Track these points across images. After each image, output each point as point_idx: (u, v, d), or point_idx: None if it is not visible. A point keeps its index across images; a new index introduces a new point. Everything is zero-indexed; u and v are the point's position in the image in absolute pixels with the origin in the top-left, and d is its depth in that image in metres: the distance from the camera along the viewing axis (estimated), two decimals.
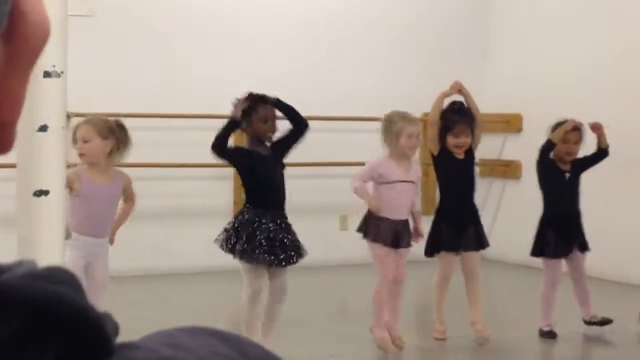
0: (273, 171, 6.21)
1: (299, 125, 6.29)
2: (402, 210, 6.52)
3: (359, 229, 6.59)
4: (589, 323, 7.15)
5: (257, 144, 6.27)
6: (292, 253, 6.08)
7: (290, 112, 6.31)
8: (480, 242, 6.90)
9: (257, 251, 5.99)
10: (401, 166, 6.53)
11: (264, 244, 6.00)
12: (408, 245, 6.55)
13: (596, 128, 7.11)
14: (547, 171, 7.20)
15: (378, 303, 6.54)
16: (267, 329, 6.11)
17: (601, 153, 7.14)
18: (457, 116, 6.92)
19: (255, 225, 6.06)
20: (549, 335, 7.03)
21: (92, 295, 5.79)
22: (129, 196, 6.16)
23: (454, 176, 6.88)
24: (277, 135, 6.34)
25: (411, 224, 6.60)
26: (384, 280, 6.50)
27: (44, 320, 0.50)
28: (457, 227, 6.78)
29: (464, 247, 6.80)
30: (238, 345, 0.61)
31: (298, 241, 6.16)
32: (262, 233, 6.03)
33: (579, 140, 7.13)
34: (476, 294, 6.88)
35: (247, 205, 6.19)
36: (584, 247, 7.15)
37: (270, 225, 6.08)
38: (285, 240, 6.07)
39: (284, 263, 6.05)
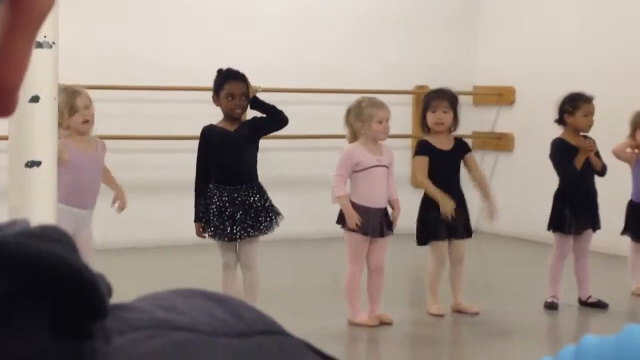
0: (236, 148, 6.25)
1: (279, 122, 6.42)
2: (380, 198, 6.53)
3: (338, 220, 6.59)
4: (584, 303, 7.18)
5: (227, 120, 6.36)
6: (240, 228, 6.19)
7: (269, 111, 6.40)
8: (467, 230, 6.90)
9: (211, 227, 6.25)
10: (373, 151, 6.56)
11: (214, 219, 6.23)
12: (387, 233, 6.57)
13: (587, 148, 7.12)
14: (561, 153, 7.14)
15: (351, 292, 6.54)
16: (247, 299, 6.22)
17: (600, 173, 7.17)
18: (435, 93, 6.97)
19: (213, 201, 6.25)
20: (550, 306, 7.07)
21: None
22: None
23: (438, 166, 6.81)
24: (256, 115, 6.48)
25: (390, 212, 6.62)
26: (355, 269, 6.53)
27: (38, 279, 0.50)
28: (443, 214, 6.73)
29: (453, 234, 6.80)
30: (232, 308, 0.60)
31: (256, 217, 6.25)
32: (216, 209, 6.23)
33: (594, 111, 7.15)
34: (460, 280, 6.93)
35: (213, 183, 6.31)
36: (595, 225, 7.16)
37: (225, 199, 6.22)
38: (237, 216, 6.18)
39: (235, 237, 6.23)
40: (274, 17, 9.97)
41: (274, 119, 6.39)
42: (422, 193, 7.00)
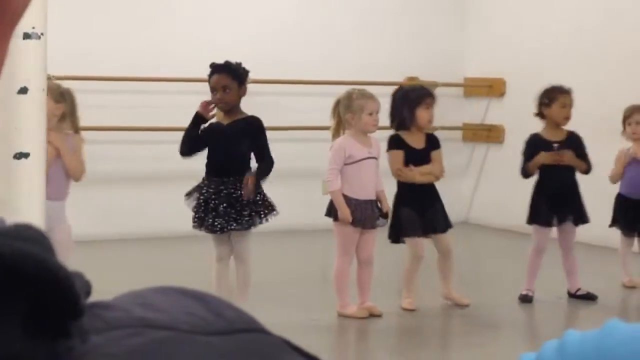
0: (224, 141, 6.20)
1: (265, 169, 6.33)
2: (369, 189, 6.53)
3: (328, 213, 6.58)
4: (573, 295, 7.17)
5: (225, 114, 6.32)
6: (223, 221, 6.14)
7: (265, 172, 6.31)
8: (446, 222, 6.85)
9: (196, 219, 6.23)
10: (363, 143, 6.55)
11: (200, 211, 6.21)
12: (377, 225, 6.57)
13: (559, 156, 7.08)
14: (528, 149, 7.16)
15: (340, 284, 6.55)
16: (239, 292, 6.25)
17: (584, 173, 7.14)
18: (423, 90, 6.92)
19: (201, 193, 6.24)
20: (524, 299, 7.06)
21: None
22: (76, 157, 6.17)
23: (410, 164, 6.78)
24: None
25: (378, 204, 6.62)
26: (344, 260, 6.53)
27: (12, 278, 0.49)
28: (418, 211, 6.71)
29: (432, 230, 6.76)
30: (212, 306, 0.60)
31: (240, 210, 6.19)
32: (204, 201, 6.21)
33: (572, 103, 7.11)
34: (449, 270, 6.91)
35: (205, 175, 6.32)
36: (578, 219, 7.11)
37: (211, 190, 6.20)
38: (220, 209, 6.14)
39: (215, 230, 6.18)
40: (266, 9, 9.95)
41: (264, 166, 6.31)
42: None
